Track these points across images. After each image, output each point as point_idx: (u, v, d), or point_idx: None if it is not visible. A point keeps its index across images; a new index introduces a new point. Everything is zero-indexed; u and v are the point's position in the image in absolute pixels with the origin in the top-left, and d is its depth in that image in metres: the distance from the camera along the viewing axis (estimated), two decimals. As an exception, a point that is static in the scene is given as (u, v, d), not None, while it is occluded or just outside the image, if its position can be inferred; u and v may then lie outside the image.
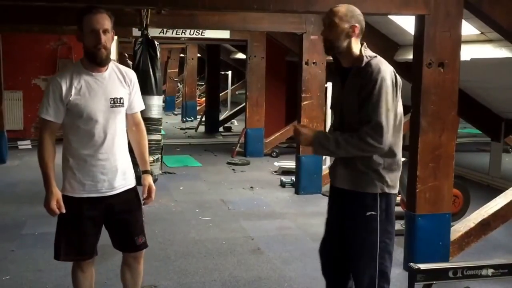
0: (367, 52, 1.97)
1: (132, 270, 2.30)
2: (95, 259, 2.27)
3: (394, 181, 1.99)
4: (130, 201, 2.19)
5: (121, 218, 2.17)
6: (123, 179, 2.14)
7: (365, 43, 2.00)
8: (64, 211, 2.05)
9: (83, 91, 2.01)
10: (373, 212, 1.93)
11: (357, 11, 1.97)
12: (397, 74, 1.95)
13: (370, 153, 1.89)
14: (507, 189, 3.54)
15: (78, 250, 2.15)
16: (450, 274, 2.76)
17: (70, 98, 1.99)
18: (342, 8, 1.94)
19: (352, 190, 1.97)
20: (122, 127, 2.13)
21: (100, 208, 2.12)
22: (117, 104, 2.06)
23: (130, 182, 2.19)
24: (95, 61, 2.01)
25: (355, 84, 1.91)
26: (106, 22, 1.99)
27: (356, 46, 1.96)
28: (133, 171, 2.19)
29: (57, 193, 2.06)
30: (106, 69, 2.08)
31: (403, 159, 3.43)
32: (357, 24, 1.94)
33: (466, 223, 3.27)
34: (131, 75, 2.17)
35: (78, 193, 2.09)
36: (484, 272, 2.80)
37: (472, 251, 3.22)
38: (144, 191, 2.23)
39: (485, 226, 3.24)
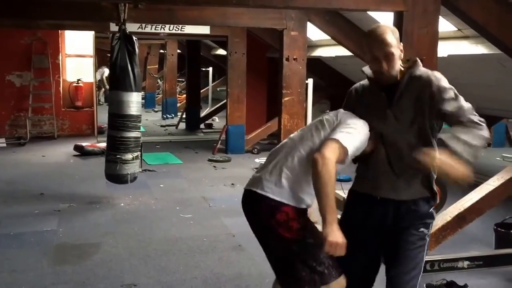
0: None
1: None
2: None
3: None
4: None
5: None
6: None
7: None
8: None
9: None
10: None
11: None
12: None
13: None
14: (482, 183, 3.62)
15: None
16: (427, 266, 2.81)
17: None
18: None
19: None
20: None
21: None
22: None
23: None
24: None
25: (410, 98, 1.84)
26: None
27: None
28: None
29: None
30: None
31: None
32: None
33: (443, 217, 3.32)
34: None
35: None
36: (460, 264, 2.86)
37: (448, 244, 3.28)
38: None
39: (461, 219, 3.30)
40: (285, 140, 2.02)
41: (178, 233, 3.92)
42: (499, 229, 3.34)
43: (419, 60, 1.91)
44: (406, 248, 1.88)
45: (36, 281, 3.00)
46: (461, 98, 1.83)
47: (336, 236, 1.70)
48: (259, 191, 1.84)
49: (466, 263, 2.87)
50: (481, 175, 5.34)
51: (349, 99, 2.05)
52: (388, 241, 1.94)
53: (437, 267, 2.82)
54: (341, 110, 1.99)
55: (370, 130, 1.89)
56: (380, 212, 1.91)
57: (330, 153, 1.73)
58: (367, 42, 1.88)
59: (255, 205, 1.88)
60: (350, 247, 1.76)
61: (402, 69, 1.90)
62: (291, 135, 2.02)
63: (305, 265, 1.81)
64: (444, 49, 4.07)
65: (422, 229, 1.90)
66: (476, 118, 1.79)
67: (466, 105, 1.82)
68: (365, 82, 2.01)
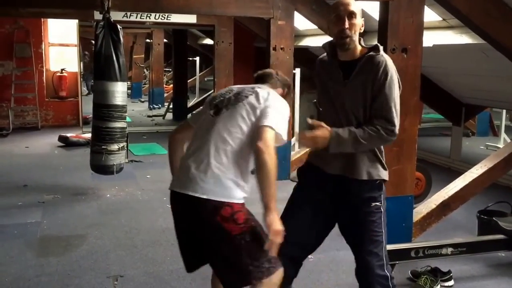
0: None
1: None
2: None
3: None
4: None
5: None
6: None
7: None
8: None
9: None
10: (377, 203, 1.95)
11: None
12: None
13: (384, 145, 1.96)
14: (466, 171, 3.67)
15: None
16: (412, 254, 2.86)
17: None
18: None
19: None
20: None
21: None
22: None
23: None
24: None
25: (362, 78, 1.88)
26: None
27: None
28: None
29: None
30: None
31: None
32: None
33: (428, 205, 3.37)
34: None
35: None
36: (444, 251, 2.91)
37: (433, 231, 3.34)
38: None
39: (445, 207, 3.36)
40: (205, 124, 1.85)
41: (165, 223, 3.90)
42: (482, 216, 3.40)
43: (380, 46, 1.94)
44: (364, 226, 1.94)
45: (19, 273, 2.96)
46: (395, 97, 1.86)
47: (279, 224, 1.72)
48: (199, 195, 1.72)
49: (450, 249, 2.92)
50: (466, 164, 5.44)
51: (315, 68, 2.11)
52: (345, 219, 1.98)
53: (422, 254, 2.86)
54: (258, 89, 1.91)
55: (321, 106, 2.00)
56: (330, 188, 1.97)
57: (271, 141, 1.72)
58: (333, 6, 1.95)
59: (196, 208, 1.74)
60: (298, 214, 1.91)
61: (361, 47, 1.94)
62: (214, 119, 1.84)
63: (253, 259, 1.74)
64: (429, 38, 4.09)
65: (374, 204, 1.95)
66: (389, 125, 1.85)
67: (393, 106, 1.85)
68: (324, 56, 2.07)
